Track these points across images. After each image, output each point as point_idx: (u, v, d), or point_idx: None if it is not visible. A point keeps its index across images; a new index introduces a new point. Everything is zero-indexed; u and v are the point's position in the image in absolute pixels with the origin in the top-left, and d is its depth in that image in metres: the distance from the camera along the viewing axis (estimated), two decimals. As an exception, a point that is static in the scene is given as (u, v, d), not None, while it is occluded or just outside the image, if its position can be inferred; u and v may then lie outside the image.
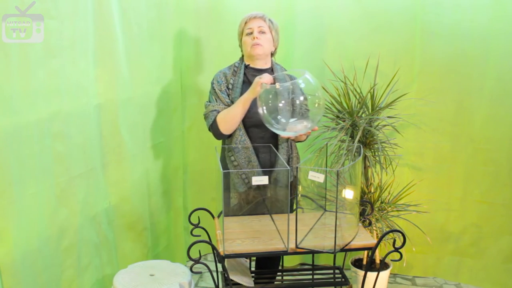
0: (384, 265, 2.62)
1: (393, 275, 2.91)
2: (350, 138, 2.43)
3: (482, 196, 2.69)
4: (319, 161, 2.44)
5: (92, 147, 2.08)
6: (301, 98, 2.01)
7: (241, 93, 2.15)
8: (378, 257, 2.67)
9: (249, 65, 2.21)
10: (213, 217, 2.12)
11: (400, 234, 1.82)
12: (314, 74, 2.66)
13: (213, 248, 1.82)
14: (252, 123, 2.16)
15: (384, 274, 2.58)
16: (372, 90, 2.42)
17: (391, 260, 2.21)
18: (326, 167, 2.30)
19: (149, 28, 2.42)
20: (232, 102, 2.15)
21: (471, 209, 2.73)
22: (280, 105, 1.97)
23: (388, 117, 2.49)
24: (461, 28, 2.53)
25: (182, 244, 2.96)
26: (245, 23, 2.18)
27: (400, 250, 1.80)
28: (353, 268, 2.64)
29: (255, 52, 2.14)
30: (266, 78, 1.97)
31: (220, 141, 2.29)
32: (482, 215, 2.71)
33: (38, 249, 1.81)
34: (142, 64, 2.41)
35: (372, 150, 2.47)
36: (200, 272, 1.85)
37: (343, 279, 2.03)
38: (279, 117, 1.96)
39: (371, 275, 2.47)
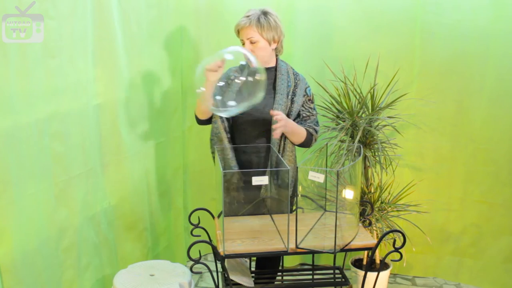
0: (384, 265, 2.62)
1: (393, 275, 2.91)
2: (350, 138, 2.43)
3: (482, 196, 2.69)
4: (319, 161, 2.44)
5: (91, 147, 2.08)
6: (242, 78, 1.99)
7: (238, 91, 2.11)
8: (378, 257, 2.67)
9: None
10: (213, 217, 2.12)
11: (400, 234, 1.82)
12: (314, 74, 2.69)
13: (213, 248, 1.82)
14: (243, 120, 2.14)
15: (384, 274, 2.58)
16: (372, 90, 2.42)
17: (391, 260, 2.21)
18: (326, 167, 2.30)
19: (149, 28, 2.42)
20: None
21: (471, 209, 2.73)
22: (219, 84, 1.97)
23: (388, 117, 2.49)
24: (461, 28, 2.53)
25: (182, 244, 2.96)
26: (237, 33, 2.14)
27: (400, 250, 1.80)
28: (353, 268, 2.64)
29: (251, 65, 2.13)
30: (211, 65, 1.91)
31: (242, 132, 2.25)
32: (482, 215, 2.71)
33: (37, 249, 1.81)
34: (142, 64, 2.41)
35: (372, 150, 2.47)
36: (200, 272, 1.85)
37: (343, 279, 2.03)
38: (217, 97, 1.96)
39: (371, 275, 2.47)
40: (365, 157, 2.47)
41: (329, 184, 1.93)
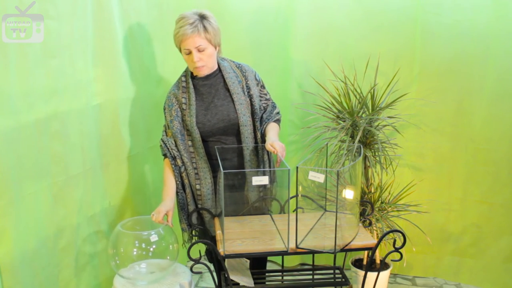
0: (384, 265, 2.62)
1: (393, 275, 2.91)
2: (350, 138, 2.43)
3: (482, 196, 2.69)
4: (319, 161, 2.44)
5: (91, 147, 2.08)
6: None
7: (196, 110, 2.07)
8: (378, 257, 2.67)
9: (196, 76, 2.10)
10: (213, 216, 2.12)
11: (400, 234, 1.82)
12: (314, 74, 2.69)
13: (213, 248, 1.82)
14: (211, 132, 2.09)
15: (384, 274, 2.58)
16: (372, 90, 2.42)
17: (391, 260, 2.21)
18: (326, 167, 2.30)
19: (150, 28, 2.42)
20: (184, 123, 2.10)
21: (471, 209, 2.73)
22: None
23: (388, 117, 2.49)
24: (461, 28, 2.53)
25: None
26: (180, 42, 1.97)
27: (400, 250, 1.80)
28: (353, 268, 2.63)
29: (201, 74, 2.06)
30: (157, 215, 1.92)
31: (219, 142, 2.28)
32: (482, 215, 2.71)
33: (36, 248, 1.81)
34: (143, 64, 2.41)
35: (372, 150, 2.47)
36: (200, 272, 1.85)
37: (343, 279, 2.03)
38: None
39: (371, 275, 2.47)
40: (365, 157, 2.47)
41: (329, 184, 1.93)
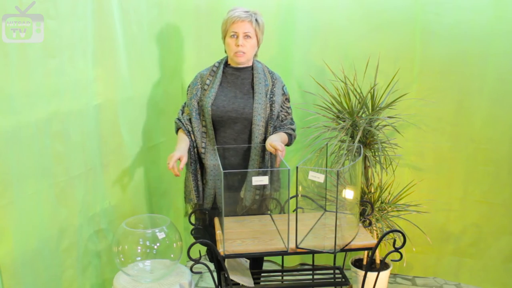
0: (384, 265, 2.62)
1: (393, 275, 2.91)
2: (350, 138, 2.43)
3: (482, 196, 2.69)
4: (319, 161, 2.44)
5: (92, 147, 2.08)
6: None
7: (216, 93, 2.14)
8: (378, 257, 2.67)
9: (229, 64, 2.20)
10: (209, 215, 2.12)
11: (400, 234, 1.82)
12: (314, 74, 2.69)
13: (213, 248, 1.82)
14: (222, 120, 2.13)
15: (384, 274, 2.58)
16: (372, 90, 2.42)
17: (391, 260, 2.21)
18: (326, 167, 2.30)
19: (150, 28, 2.42)
20: (201, 103, 2.15)
21: (471, 209, 2.73)
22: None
23: (388, 117, 2.49)
24: (461, 28, 2.53)
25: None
26: (231, 23, 2.08)
27: (400, 250, 1.80)
28: (353, 268, 2.63)
29: (238, 60, 2.13)
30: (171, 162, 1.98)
31: (219, 142, 2.28)
32: (482, 215, 2.71)
33: (37, 249, 1.81)
34: (142, 64, 2.41)
35: (372, 150, 2.47)
36: (200, 272, 1.85)
37: (343, 279, 2.03)
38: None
39: (371, 275, 2.47)
40: (365, 157, 2.47)
41: (329, 184, 1.93)
